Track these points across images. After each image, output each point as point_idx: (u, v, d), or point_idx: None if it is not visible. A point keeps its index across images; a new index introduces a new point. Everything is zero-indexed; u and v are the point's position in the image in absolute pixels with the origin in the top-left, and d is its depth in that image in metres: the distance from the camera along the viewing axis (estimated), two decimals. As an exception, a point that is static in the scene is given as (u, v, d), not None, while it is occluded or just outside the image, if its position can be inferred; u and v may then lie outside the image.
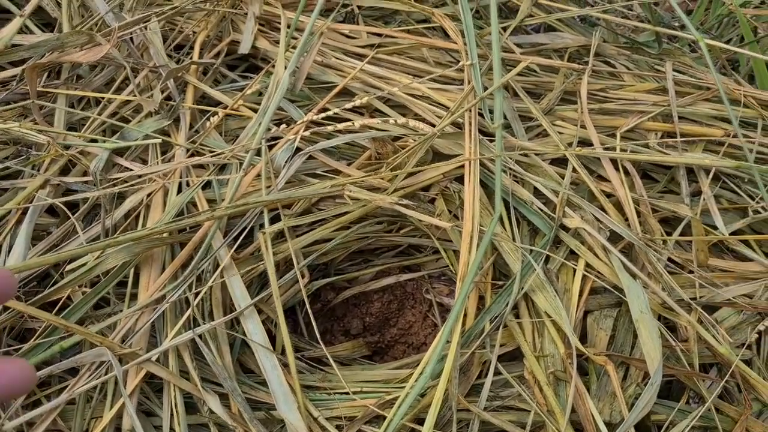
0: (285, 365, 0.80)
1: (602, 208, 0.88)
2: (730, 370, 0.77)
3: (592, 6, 1.16)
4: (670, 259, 0.88)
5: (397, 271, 1.02)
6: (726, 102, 0.79)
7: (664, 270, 0.84)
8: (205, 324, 0.78)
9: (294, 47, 1.00)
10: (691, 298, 0.84)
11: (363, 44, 1.05)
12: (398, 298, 1.03)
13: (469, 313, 0.84)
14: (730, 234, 0.92)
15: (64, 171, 0.89)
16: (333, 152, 0.94)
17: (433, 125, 0.90)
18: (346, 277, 1.00)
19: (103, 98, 0.94)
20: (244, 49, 1.01)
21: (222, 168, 0.91)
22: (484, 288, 0.86)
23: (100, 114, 0.92)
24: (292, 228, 0.89)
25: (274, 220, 0.86)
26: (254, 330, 0.78)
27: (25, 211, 0.83)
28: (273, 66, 0.98)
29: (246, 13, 1.03)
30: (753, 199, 0.95)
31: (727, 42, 1.15)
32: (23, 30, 0.92)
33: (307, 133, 0.88)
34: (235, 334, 0.80)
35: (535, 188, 0.90)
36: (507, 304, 0.80)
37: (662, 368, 0.78)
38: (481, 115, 0.91)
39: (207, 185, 0.90)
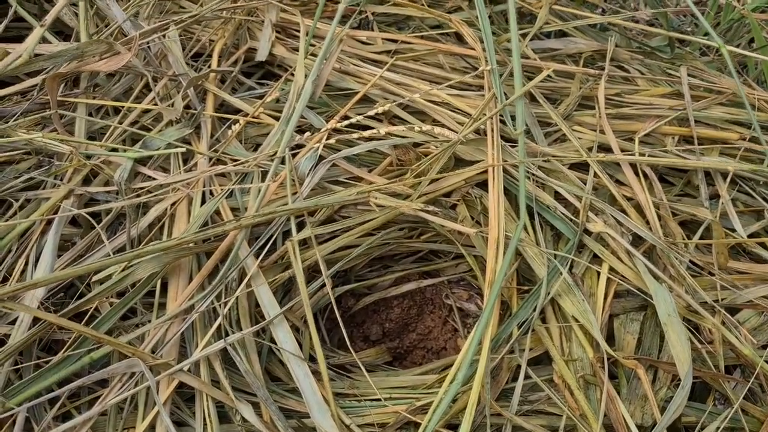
0: (314, 372, 0.80)
1: (624, 212, 0.88)
2: (756, 372, 0.78)
3: (604, 10, 1.16)
4: (691, 262, 0.88)
5: (417, 276, 1.02)
6: (748, 106, 0.81)
7: (686, 273, 0.85)
8: (233, 333, 0.78)
9: (312, 54, 1.00)
10: (713, 301, 0.84)
11: (379, 50, 1.06)
12: (417, 303, 1.03)
13: (494, 319, 0.84)
14: (748, 236, 0.93)
15: (87, 181, 0.89)
16: (354, 159, 0.94)
17: (455, 131, 0.91)
18: (366, 284, 1.00)
19: (122, 107, 0.94)
20: (261, 56, 1.01)
21: (244, 175, 0.91)
22: (507, 293, 0.86)
23: (120, 123, 0.91)
24: (315, 236, 0.89)
25: (299, 227, 0.86)
26: (285, 338, 0.78)
27: (49, 222, 0.83)
28: (291, 73, 0.98)
29: (262, 21, 1.03)
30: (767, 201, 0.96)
31: (737, 46, 1.16)
32: (41, 40, 0.92)
33: (330, 141, 0.88)
34: (265, 342, 0.80)
35: (557, 193, 0.90)
36: (534, 309, 0.81)
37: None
38: (502, 121, 0.92)
39: (229, 194, 0.90)
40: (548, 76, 1.06)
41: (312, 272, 0.90)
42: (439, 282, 1.02)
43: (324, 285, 0.90)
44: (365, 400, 0.81)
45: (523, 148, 0.86)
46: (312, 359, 0.87)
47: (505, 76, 0.95)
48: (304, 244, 0.88)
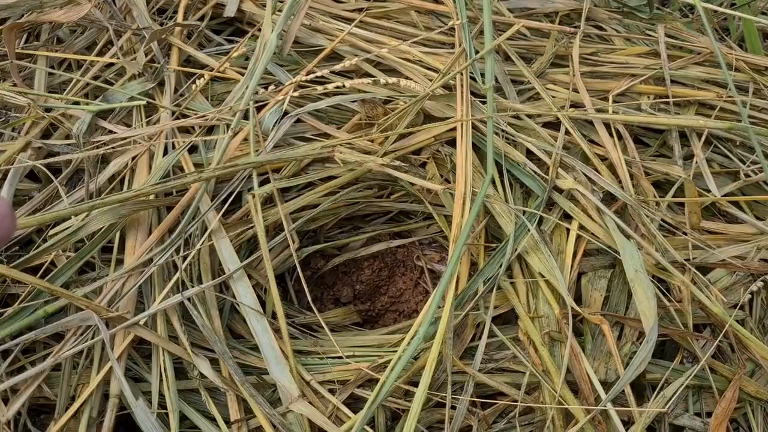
0: (276, 330, 0.79)
1: (595, 170, 0.87)
2: (724, 330, 0.77)
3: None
4: (663, 221, 0.87)
5: (388, 237, 1.00)
6: (723, 64, 0.79)
7: (657, 231, 0.84)
8: (193, 288, 0.76)
9: (281, 10, 0.98)
10: (684, 260, 0.83)
11: (351, 8, 1.03)
12: (389, 265, 1.01)
13: (461, 277, 0.83)
14: (722, 195, 0.92)
15: (46, 135, 0.87)
16: (322, 116, 0.92)
17: (424, 86, 0.89)
18: (336, 244, 0.99)
19: (85, 61, 0.91)
20: (229, 12, 0.99)
21: (209, 131, 0.89)
22: (476, 252, 0.85)
23: (82, 77, 0.89)
24: (281, 193, 0.88)
25: (263, 184, 0.84)
26: (244, 293, 0.77)
27: (5, 175, 0.81)
28: (260, 29, 0.96)
29: (231, -24, 1.01)
30: (744, 162, 0.95)
31: (720, 5, 1.14)
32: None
33: (295, 95, 0.86)
34: (225, 297, 0.78)
35: (528, 150, 0.89)
36: (501, 266, 0.80)
37: (659, 327, 0.78)
38: (472, 78, 0.90)
39: (193, 149, 0.88)
40: (523, 34, 1.04)
41: (278, 230, 0.88)
42: (410, 243, 1.00)
43: (285, 240, 0.88)
44: (328, 357, 0.79)
45: (492, 103, 0.84)
46: (276, 317, 0.86)
47: (476, 32, 0.92)
48: (270, 202, 0.87)
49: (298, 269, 0.79)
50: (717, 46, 0.89)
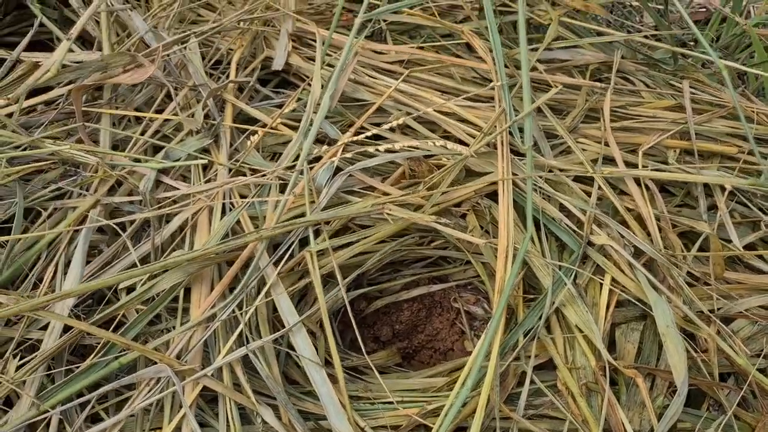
0: (330, 376, 0.85)
1: (626, 224, 0.92)
2: (749, 380, 0.83)
3: (610, 22, 1.19)
4: (689, 273, 0.93)
5: (427, 281, 1.06)
6: (744, 122, 0.84)
7: (684, 284, 0.89)
8: (253, 340, 0.82)
9: (329, 64, 1.03)
10: (709, 311, 0.89)
11: (392, 60, 1.09)
12: (426, 306, 1.07)
13: (500, 324, 0.88)
14: (744, 247, 0.97)
15: (111, 190, 0.92)
16: (368, 169, 0.98)
17: (466, 144, 0.94)
18: (378, 288, 1.04)
19: (144, 117, 0.97)
20: (278, 65, 1.04)
21: (261, 186, 0.94)
22: (514, 301, 0.90)
23: (142, 133, 0.95)
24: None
25: (315, 235, 0.90)
26: (303, 346, 0.82)
27: (76, 230, 0.87)
28: (308, 84, 1.01)
29: (279, 31, 1.06)
30: (765, 213, 1.00)
31: (737, 60, 1.19)
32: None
33: (347, 154, 0.92)
34: (283, 349, 0.84)
35: (561, 205, 0.94)
36: (540, 317, 0.85)
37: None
38: (510, 134, 0.95)
39: (248, 204, 0.93)
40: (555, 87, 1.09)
41: (327, 278, 0.94)
42: (448, 286, 1.06)
43: (337, 289, 0.94)
44: (378, 402, 0.85)
45: (531, 163, 0.90)
46: (327, 363, 0.92)
47: (515, 90, 0.98)
48: (319, 251, 0.93)
49: (351, 317, 0.84)
50: (737, 100, 0.94)
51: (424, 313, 1.07)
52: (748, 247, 0.98)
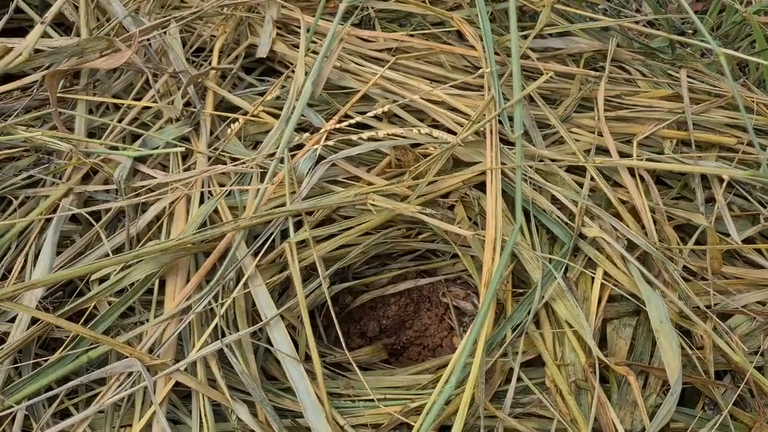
0: (309, 372, 0.81)
1: (619, 217, 0.89)
2: (746, 378, 0.79)
3: (606, 10, 1.16)
4: (684, 267, 0.89)
5: (414, 275, 1.03)
6: (744, 113, 0.81)
7: (680, 279, 0.86)
8: (230, 333, 0.79)
9: (313, 51, 1.00)
10: (705, 306, 0.85)
11: (380, 48, 1.06)
12: (414, 301, 1.04)
13: (488, 320, 0.85)
14: (743, 241, 0.94)
15: (86, 178, 0.89)
16: (353, 158, 0.95)
17: (454, 133, 0.91)
18: (364, 282, 1.01)
19: (122, 104, 0.94)
20: (262, 53, 1.01)
21: (242, 175, 0.91)
22: (503, 295, 0.87)
23: (120, 120, 0.92)
24: (314, 235, 0.90)
25: (297, 226, 0.87)
26: (281, 340, 0.79)
27: (48, 220, 0.84)
28: (292, 71, 0.98)
29: (263, 17, 1.03)
30: (764, 206, 0.97)
31: (737, 49, 1.16)
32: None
33: (329, 142, 0.89)
34: (261, 344, 0.81)
35: (553, 196, 0.91)
36: (528, 312, 0.82)
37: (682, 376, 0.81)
38: (500, 122, 0.92)
39: (228, 193, 0.90)
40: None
41: (309, 270, 0.91)
42: (436, 280, 1.03)
43: (321, 284, 0.91)
44: (359, 400, 0.82)
45: (521, 152, 0.86)
46: (308, 358, 0.89)
47: (505, 77, 0.95)
48: (302, 242, 0.89)
49: (332, 311, 0.81)
50: (737, 91, 0.91)
51: (412, 308, 1.04)
52: (747, 241, 0.95)
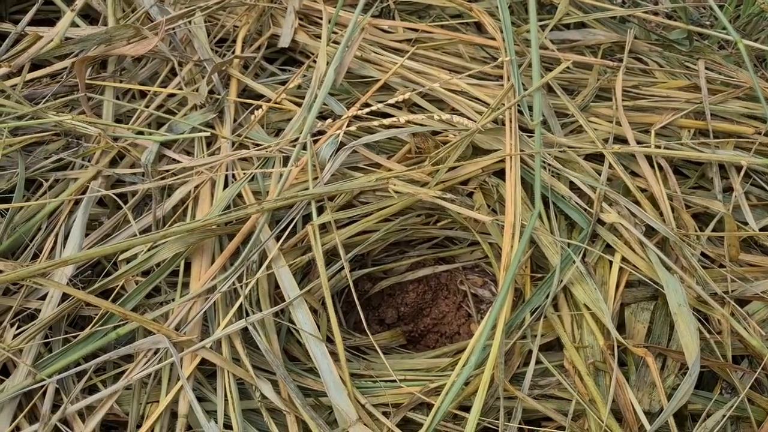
0: (332, 354, 0.83)
1: (637, 203, 0.90)
2: (763, 363, 0.80)
3: (624, 1, 1.17)
4: (702, 254, 0.90)
5: (433, 262, 1.04)
6: (763, 101, 0.81)
7: (698, 264, 0.86)
8: (254, 313, 0.80)
9: (335, 42, 1.02)
10: (723, 292, 0.86)
11: (400, 39, 1.07)
12: (432, 288, 1.05)
13: (506, 304, 0.86)
14: (761, 229, 0.95)
15: (113, 162, 0.91)
16: (373, 146, 0.96)
17: (474, 120, 0.93)
18: (383, 268, 1.02)
19: (149, 91, 0.96)
20: (284, 42, 1.03)
21: (265, 161, 0.93)
22: (521, 280, 0.88)
23: (147, 107, 0.94)
24: (335, 220, 0.92)
25: (319, 212, 0.88)
26: (304, 320, 0.81)
27: (77, 202, 0.86)
28: (314, 60, 1.00)
29: (285, 8, 1.05)
30: (782, 195, 0.98)
31: (755, 41, 1.16)
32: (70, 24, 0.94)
33: (350, 128, 0.90)
34: (285, 323, 0.82)
35: (572, 183, 0.92)
36: (547, 296, 0.83)
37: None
38: (519, 111, 0.93)
39: (251, 178, 0.92)
40: (566, 67, 1.07)
41: (330, 256, 0.92)
42: (454, 268, 1.04)
43: (342, 268, 0.93)
44: (380, 380, 0.83)
45: (540, 139, 0.88)
46: (329, 340, 0.90)
47: (524, 66, 0.96)
48: (323, 228, 0.91)
49: (354, 295, 0.82)
50: (757, 81, 0.92)
51: (430, 296, 1.05)
52: (764, 229, 0.95)
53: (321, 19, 1.05)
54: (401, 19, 1.11)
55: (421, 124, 0.92)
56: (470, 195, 0.96)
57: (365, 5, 1.07)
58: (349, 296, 1.03)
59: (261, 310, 0.82)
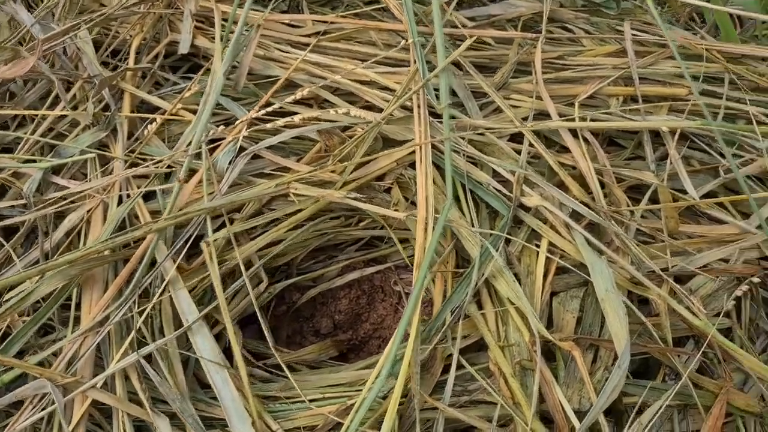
0: (252, 375, 0.78)
1: (562, 184, 0.83)
2: (705, 343, 0.73)
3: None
4: (640, 230, 0.83)
5: (362, 264, 0.98)
6: (677, 56, 0.75)
7: (632, 242, 0.80)
8: (155, 342, 0.74)
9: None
10: (662, 270, 0.79)
11: (308, 33, 1.01)
12: (366, 292, 0.99)
13: (436, 304, 0.80)
14: (704, 196, 0.88)
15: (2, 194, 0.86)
16: (283, 148, 0.90)
17: (378, 112, 0.86)
18: (311, 276, 0.96)
19: (36, 116, 0.90)
20: (183, 49, 0.97)
21: (167, 176, 0.87)
22: (443, 277, 0.82)
23: (34, 132, 0.88)
24: (246, 231, 0.86)
25: (225, 225, 0.82)
26: (203, 345, 0.75)
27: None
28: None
29: (183, 12, 0.99)
30: (725, 157, 0.90)
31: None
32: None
33: (250, 130, 0.84)
34: (183, 353, 0.76)
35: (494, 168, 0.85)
36: (467, 294, 0.77)
37: (635, 346, 0.75)
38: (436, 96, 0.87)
39: (152, 196, 0.86)
40: (487, 44, 1.00)
41: (248, 267, 0.86)
42: (386, 268, 0.98)
43: (261, 282, 0.87)
44: (295, 402, 0.77)
45: (448, 123, 0.81)
46: (260, 357, 0.85)
47: (429, 49, 0.89)
48: (235, 240, 0.85)
49: (259, 315, 0.77)
50: (680, 37, 0.85)
51: (365, 300, 0.99)
52: (708, 196, 0.89)
53: (224, 21, 0.98)
54: (310, 12, 1.05)
55: (320, 121, 0.86)
56: (388, 191, 0.89)
57: (266, 1, 1.01)
58: (276, 309, 0.97)
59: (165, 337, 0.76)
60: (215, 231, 0.81)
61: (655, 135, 0.91)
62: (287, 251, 0.90)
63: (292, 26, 1.02)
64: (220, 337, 0.82)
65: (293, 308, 0.97)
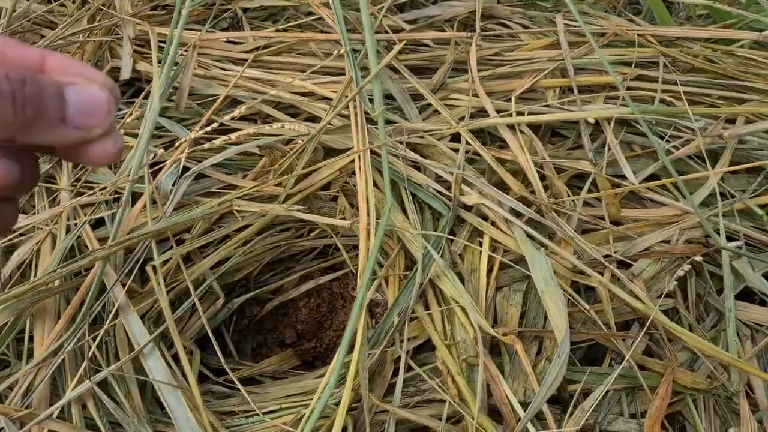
0: (211, 392, 0.79)
1: (501, 179, 0.84)
2: (646, 326, 0.75)
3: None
4: (582, 219, 0.85)
5: (319, 273, 0.99)
6: (593, 42, 0.76)
7: (573, 231, 0.81)
8: (104, 369, 0.76)
9: (175, 63, 0.97)
10: (605, 256, 0.81)
11: (249, 49, 1.02)
12: (326, 300, 1.00)
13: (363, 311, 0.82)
14: (645, 179, 0.89)
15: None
16: (230, 165, 0.92)
17: (313, 124, 0.87)
18: (269, 288, 0.97)
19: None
20: (124, 74, 0.98)
21: (116, 202, 0.88)
22: (393, 281, 0.83)
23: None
24: (199, 249, 0.87)
25: (177, 244, 0.83)
26: (155, 368, 0.76)
27: None
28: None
29: (122, 38, 1.00)
30: (663, 139, 0.92)
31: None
32: None
33: (196, 151, 0.85)
34: (138, 377, 0.77)
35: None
36: (411, 296, 0.78)
37: (579, 333, 0.76)
38: (371, 101, 0.88)
39: (103, 223, 0.87)
40: (426, 45, 1.01)
41: (199, 286, 0.87)
42: (343, 275, 0.99)
43: (218, 298, 0.88)
44: (253, 415, 0.78)
45: (384, 129, 0.82)
46: (205, 378, 0.86)
47: (362, 57, 0.90)
48: (188, 260, 0.86)
49: (208, 331, 0.78)
50: (616, 24, 0.86)
51: (326, 308, 1.00)
52: (651, 179, 0.90)
53: (162, 43, 0.99)
54: (251, 27, 1.06)
55: (266, 135, 0.87)
56: (335, 199, 0.91)
57: (204, 20, 1.02)
58: (237, 324, 0.98)
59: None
60: (164, 252, 0.82)
61: (596, 123, 0.92)
62: (242, 266, 0.92)
63: (234, 43, 1.03)
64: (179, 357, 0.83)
65: (254, 321, 0.99)
